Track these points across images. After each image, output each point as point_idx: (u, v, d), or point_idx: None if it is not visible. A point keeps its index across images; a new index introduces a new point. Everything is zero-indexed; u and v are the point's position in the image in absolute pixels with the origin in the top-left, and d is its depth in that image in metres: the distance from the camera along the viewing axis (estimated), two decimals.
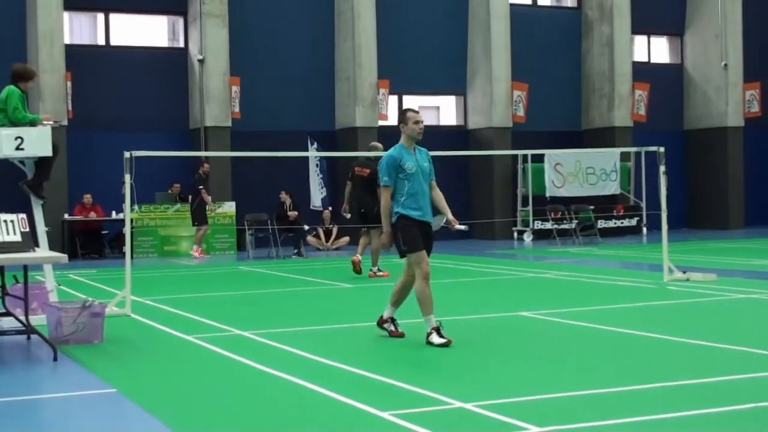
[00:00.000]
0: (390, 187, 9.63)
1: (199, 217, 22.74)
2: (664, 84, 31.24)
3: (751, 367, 7.87)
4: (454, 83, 28.89)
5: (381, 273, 16.70)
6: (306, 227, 23.81)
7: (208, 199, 22.73)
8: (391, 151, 9.77)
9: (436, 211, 9.94)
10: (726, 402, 6.72)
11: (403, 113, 9.96)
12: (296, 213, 23.70)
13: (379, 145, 17.26)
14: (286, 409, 6.92)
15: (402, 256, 9.68)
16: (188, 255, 23.33)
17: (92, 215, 23.50)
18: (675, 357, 8.58)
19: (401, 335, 9.84)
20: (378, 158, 16.78)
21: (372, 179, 16.26)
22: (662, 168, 15.03)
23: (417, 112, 10.01)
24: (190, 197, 23.41)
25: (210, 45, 25.27)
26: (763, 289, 13.52)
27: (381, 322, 10.00)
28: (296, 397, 7.28)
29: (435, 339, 9.27)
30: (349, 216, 17.37)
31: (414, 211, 9.61)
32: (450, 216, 9.97)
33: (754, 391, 7.08)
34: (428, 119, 29.45)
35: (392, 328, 9.93)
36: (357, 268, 16.50)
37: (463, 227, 10.06)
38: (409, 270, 9.67)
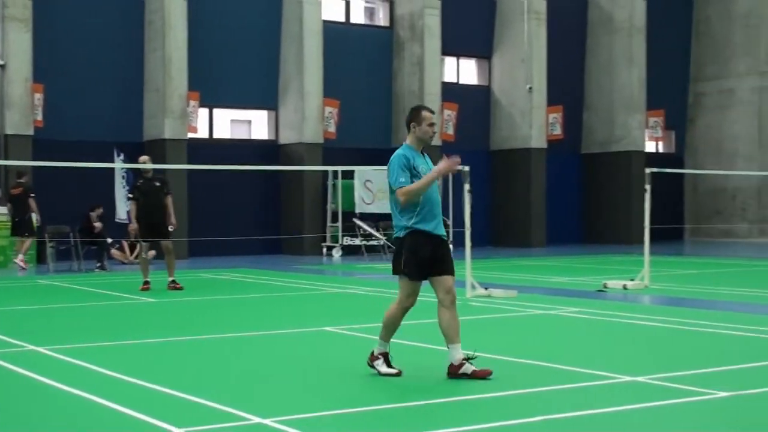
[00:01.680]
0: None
1: (29, 227, 22.06)
2: (473, 105, 32.00)
3: (547, 380, 8.09)
4: (267, 98, 28.80)
5: (179, 285, 16.80)
6: (110, 240, 23.23)
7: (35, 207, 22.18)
8: (399, 150, 8.43)
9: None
10: (518, 414, 6.89)
11: (416, 111, 8.52)
12: (101, 225, 23.09)
13: (148, 158, 17.59)
14: (79, 425, 6.71)
15: (395, 273, 8.46)
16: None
17: None
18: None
19: (398, 373, 8.42)
20: (148, 172, 16.84)
21: (162, 191, 16.69)
22: (467, 186, 15.35)
23: (432, 112, 8.65)
24: (9, 206, 22.58)
25: (12, 50, 24.38)
26: (561, 305, 13.98)
27: (372, 359, 8.54)
28: (89, 413, 7.06)
29: (383, 367, 8.40)
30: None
31: (428, 224, 8.37)
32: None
33: (545, 404, 7.29)
34: (239, 133, 29.32)
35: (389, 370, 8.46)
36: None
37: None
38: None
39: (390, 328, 8.52)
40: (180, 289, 16.65)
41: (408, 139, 8.60)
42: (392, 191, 8.42)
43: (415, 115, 8.52)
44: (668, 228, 32.12)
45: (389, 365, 8.42)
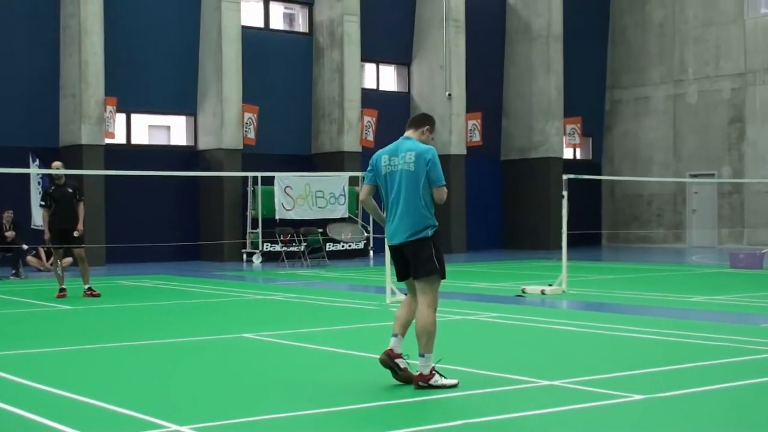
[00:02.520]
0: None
1: None
2: (393, 111, 32.08)
3: (464, 385, 8.11)
4: (185, 103, 28.56)
5: (95, 292, 16.62)
6: (25, 247, 22.83)
7: None
8: (430, 148, 8.42)
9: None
10: (435, 419, 6.92)
11: (432, 120, 8.72)
12: (14, 233, 22.67)
13: (60, 164, 17.39)
14: None
15: (443, 277, 8.23)
16: None
17: None
18: (388, 376, 8.74)
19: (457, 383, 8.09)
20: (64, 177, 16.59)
21: (75, 197, 16.52)
22: None
23: None
24: None
25: None
26: (480, 310, 14.06)
27: (394, 357, 8.15)
28: (2, 422, 6.92)
29: (443, 380, 7.97)
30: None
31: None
32: None
33: (465, 408, 7.33)
34: (158, 139, 29.04)
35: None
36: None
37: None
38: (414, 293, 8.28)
39: (433, 335, 8.07)
40: (97, 296, 16.46)
41: (416, 136, 8.58)
42: (436, 185, 8.32)
43: (433, 123, 8.74)
44: (586, 234, 32.61)
45: (443, 376, 8.06)
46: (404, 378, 8.06)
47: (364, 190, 8.57)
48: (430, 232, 8.17)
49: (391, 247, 8.42)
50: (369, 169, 8.52)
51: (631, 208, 37.23)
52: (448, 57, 31.99)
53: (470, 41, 32.78)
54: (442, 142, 32.06)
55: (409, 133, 8.62)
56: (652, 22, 36.61)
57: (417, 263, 8.14)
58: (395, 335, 8.21)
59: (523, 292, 16.81)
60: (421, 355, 7.98)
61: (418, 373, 7.97)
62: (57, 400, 7.68)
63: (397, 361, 8.09)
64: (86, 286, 16.63)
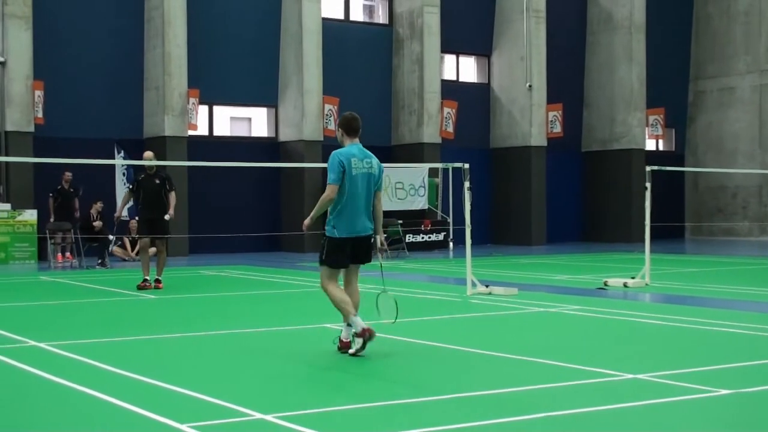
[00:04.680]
0: None
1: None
2: (472, 103, 32.01)
3: (548, 378, 8.09)
4: (266, 95, 28.79)
5: (160, 285, 16.52)
6: (111, 237, 23.23)
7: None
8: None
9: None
10: (520, 411, 6.89)
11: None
12: (101, 223, 23.09)
13: (152, 154, 17.29)
14: (81, 421, 6.70)
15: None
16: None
17: None
18: (472, 368, 8.74)
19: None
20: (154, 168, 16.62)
21: (164, 187, 16.44)
22: (467, 184, 15.36)
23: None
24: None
25: (12, 47, 24.37)
26: (562, 303, 13.98)
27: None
28: (92, 409, 7.05)
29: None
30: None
31: None
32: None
33: (548, 401, 7.28)
34: (240, 130, 29.31)
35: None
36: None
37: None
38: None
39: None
40: (160, 288, 16.25)
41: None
42: (380, 190, 9.70)
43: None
44: (669, 226, 32.14)
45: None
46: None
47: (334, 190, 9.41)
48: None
49: (349, 239, 9.41)
50: (339, 169, 9.37)
51: (715, 200, 36.63)
52: (529, 48, 31.76)
53: (551, 32, 32.50)
54: (522, 133, 31.89)
55: (356, 140, 9.71)
56: (736, 10, 35.95)
57: (368, 252, 9.65)
58: (356, 315, 9.37)
59: (606, 284, 16.65)
60: (350, 325, 9.27)
61: (348, 341, 9.29)
62: (141, 386, 7.81)
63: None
64: (157, 277, 16.49)
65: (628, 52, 33.88)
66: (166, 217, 16.42)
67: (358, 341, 9.17)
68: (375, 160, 9.59)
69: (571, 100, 33.98)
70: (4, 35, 24.32)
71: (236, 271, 20.89)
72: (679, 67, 37.09)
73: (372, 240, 9.63)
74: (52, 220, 22.86)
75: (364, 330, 9.13)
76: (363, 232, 9.45)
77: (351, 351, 9.19)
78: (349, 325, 9.31)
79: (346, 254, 9.45)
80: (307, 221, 9.67)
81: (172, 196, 16.55)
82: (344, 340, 9.35)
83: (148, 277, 16.55)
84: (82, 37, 26.16)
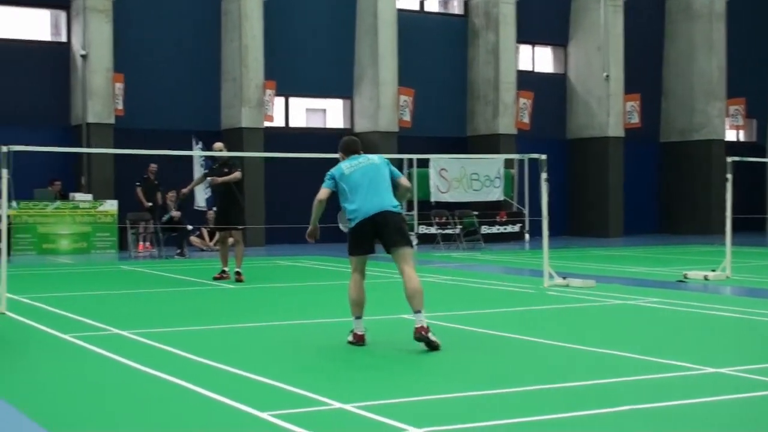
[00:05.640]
0: None
1: None
2: (548, 93, 31.79)
3: (627, 371, 8.02)
4: (341, 86, 28.91)
5: (242, 277, 16.19)
6: (189, 227, 23.53)
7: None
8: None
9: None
10: (600, 404, 6.83)
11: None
12: (180, 213, 23.40)
13: (222, 145, 17.19)
14: (163, 408, 6.80)
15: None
16: (68, 252, 22.95)
17: None
18: (551, 360, 8.70)
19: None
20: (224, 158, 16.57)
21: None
22: (544, 175, 15.26)
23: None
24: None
25: (93, 40, 24.80)
26: (640, 295, 13.83)
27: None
28: (174, 396, 7.16)
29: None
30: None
31: None
32: None
33: (630, 393, 7.22)
34: (315, 122, 29.45)
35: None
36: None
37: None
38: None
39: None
40: (241, 281, 15.96)
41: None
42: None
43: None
44: (750, 218, 31.59)
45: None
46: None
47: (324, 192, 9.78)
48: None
49: (366, 219, 9.49)
50: (329, 178, 9.77)
51: None
52: (606, 37, 31.44)
53: (628, 21, 32.13)
54: (599, 124, 31.60)
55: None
56: None
57: (400, 232, 9.54)
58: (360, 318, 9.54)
59: (685, 277, 16.44)
60: (419, 311, 9.12)
61: (421, 326, 9.03)
62: (222, 374, 7.90)
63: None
64: (237, 269, 16.23)
65: (708, 40, 33.35)
66: (212, 182, 16.52)
67: (351, 338, 9.51)
68: (373, 156, 9.97)
69: (649, 90, 33.54)
70: (86, 29, 24.73)
71: (312, 261, 21.02)
72: (760, 56, 36.41)
73: (401, 216, 9.61)
74: (149, 204, 23.51)
75: (357, 336, 9.45)
76: (379, 207, 9.46)
77: (347, 339, 9.51)
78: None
79: (368, 238, 9.56)
80: (309, 229, 10.00)
81: (234, 175, 16.22)
82: (357, 332, 9.50)
83: (225, 268, 16.51)
84: (161, 30, 26.51)
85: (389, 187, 9.68)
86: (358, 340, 9.43)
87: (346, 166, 9.76)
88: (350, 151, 9.99)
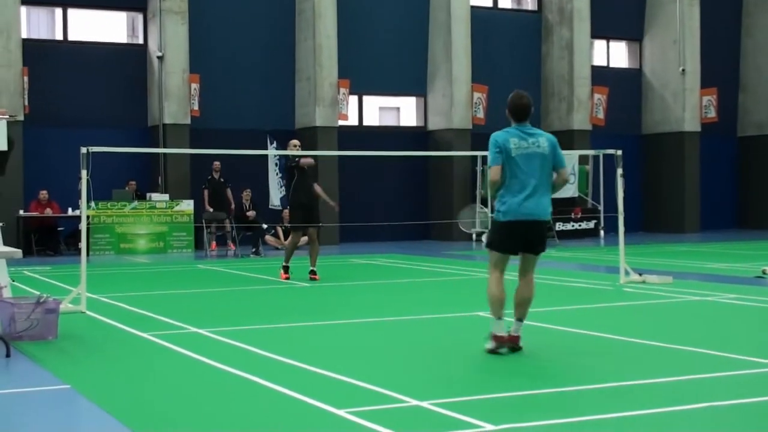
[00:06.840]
0: None
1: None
2: (623, 88, 31.48)
3: (706, 368, 7.93)
4: (415, 84, 28.93)
5: (316, 276, 16.17)
6: (264, 226, 23.73)
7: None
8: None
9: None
10: (680, 401, 6.77)
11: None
12: (254, 212, 23.63)
13: (297, 142, 16.96)
14: (241, 406, 6.88)
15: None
16: (145, 252, 23.32)
17: (48, 211, 23.28)
18: (629, 357, 8.63)
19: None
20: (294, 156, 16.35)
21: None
22: (619, 171, 15.14)
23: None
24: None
25: (169, 42, 25.14)
26: (718, 291, 13.65)
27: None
28: (252, 394, 7.24)
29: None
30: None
31: None
32: None
33: (708, 390, 7.14)
34: (388, 120, 29.53)
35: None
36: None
37: None
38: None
39: None
40: (315, 280, 15.93)
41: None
42: (563, 168, 8.91)
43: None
44: None
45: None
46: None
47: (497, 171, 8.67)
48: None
49: (517, 223, 8.70)
50: (497, 150, 8.63)
51: None
52: (682, 31, 31.03)
53: (705, 14, 31.68)
54: (675, 118, 31.21)
55: (525, 124, 8.81)
56: None
57: (541, 239, 8.90)
58: (501, 319, 8.75)
59: (764, 273, 16.16)
60: (521, 320, 8.78)
61: (518, 335, 8.72)
62: (299, 372, 7.96)
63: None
64: (311, 268, 16.16)
65: None
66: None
67: (492, 343, 8.65)
68: (544, 138, 8.72)
69: (726, 83, 33.05)
70: (162, 30, 25.08)
71: (386, 259, 21.07)
72: None
73: (548, 224, 8.88)
74: (210, 210, 23.44)
75: (501, 338, 8.64)
76: (533, 215, 8.61)
77: (486, 346, 8.67)
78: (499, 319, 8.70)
79: (514, 240, 8.77)
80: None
81: (309, 160, 16.29)
82: (497, 334, 8.66)
83: (288, 265, 16.27)
84: (235, 31, 26.78)
85: (550, 183, 8.75)
86: (503, 342, 8.64)
87: (515, 143, 8.59)
88: (522, 114, 8.75)
